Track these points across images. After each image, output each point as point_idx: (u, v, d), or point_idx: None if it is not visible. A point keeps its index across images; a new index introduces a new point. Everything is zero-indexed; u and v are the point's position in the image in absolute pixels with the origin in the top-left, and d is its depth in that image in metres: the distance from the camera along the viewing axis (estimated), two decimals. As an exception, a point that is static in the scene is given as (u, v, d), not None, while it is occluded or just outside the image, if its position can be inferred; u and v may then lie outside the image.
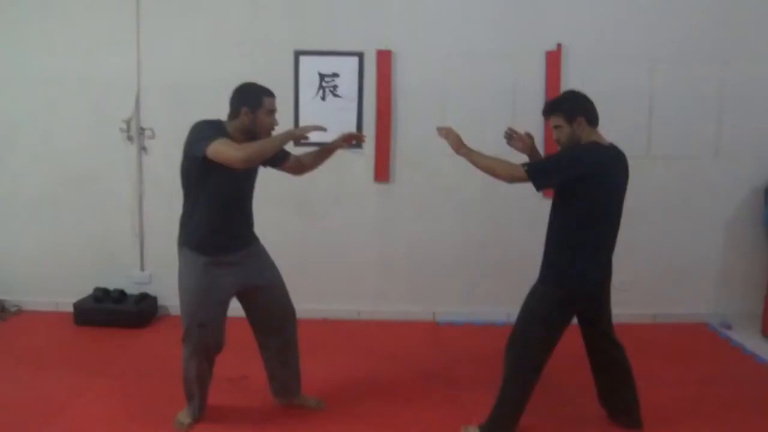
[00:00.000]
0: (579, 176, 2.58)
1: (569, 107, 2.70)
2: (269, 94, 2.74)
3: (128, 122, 4.29)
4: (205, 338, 2.78)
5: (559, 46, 4.19)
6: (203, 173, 2.64)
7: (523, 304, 2.79)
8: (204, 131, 2.61)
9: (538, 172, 2.64)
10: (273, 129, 2.76)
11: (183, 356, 2.87)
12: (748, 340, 4.08)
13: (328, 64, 4.23)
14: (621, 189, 2.73)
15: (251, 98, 2.69)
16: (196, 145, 2.58)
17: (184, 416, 2.93)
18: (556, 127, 2.71)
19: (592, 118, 2.70)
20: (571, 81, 4.16)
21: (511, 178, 2.68)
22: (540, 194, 4.19)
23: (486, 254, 4.39)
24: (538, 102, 4.18)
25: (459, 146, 2.81)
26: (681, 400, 3.26)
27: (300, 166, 3.06)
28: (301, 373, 3.11)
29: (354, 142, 3.02)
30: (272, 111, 2.74)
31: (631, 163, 4.44)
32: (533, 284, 2.78)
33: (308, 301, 4.01)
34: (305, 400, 3.12)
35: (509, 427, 2.77)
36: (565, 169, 2.60)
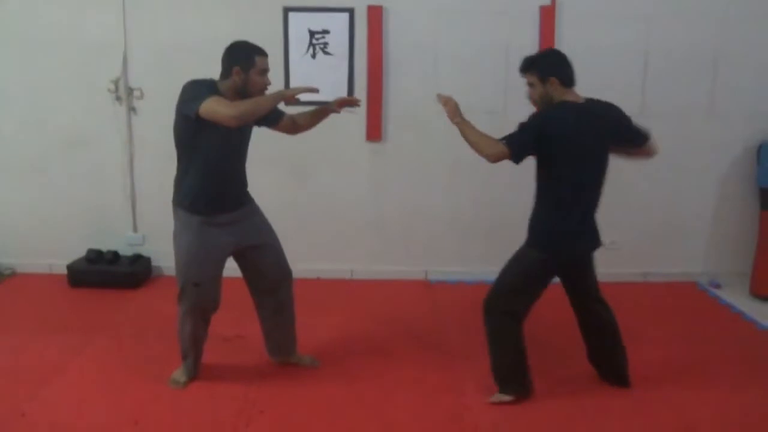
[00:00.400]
0: (550, 138, 2.57)
1: (543, 66, 2.68)
2: (261, 53, 2.70)
3: (116, 82, 4.22)
4: (200, 297, 2.80)
5: (553, 1, 4.11)
6: (195, 133, 2.62)
7: (507, 263, 2.81)
8: (196, 90, 2.58)
9: (516, 145, 2.59)
10: (266, 89, 2.73)
11: (178, 315, 2.89)
12: (737, 299, 4.12)
13: (318, 21, 4.14)
14: (600, 145, 2.71)
15: (243, 58, 2.65)
16: (188, 105, 2.55)
17: (179, 375, 2.97)
18: (530, 85, 2.71)
19: (566, 79, 2.67)
20: (565, 37, 4.10)
21: (495, 158, 2.59)
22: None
23: (479, 213, 4.39)
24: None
25: (454, 115, 2.74)
26: (669, 358, 3.31)
27: (294, 126, 3.04)
28: (296, 332, 3.14)
29: (348, 107, 2.99)
30: (264, 71, 2.71)
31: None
32: (521, 246, 2.80)
33: (302, 260, 4.01)
34: (300, 358, 3.16)
35: (519, 378, 2.82)
36: (537, 135, 2.58)
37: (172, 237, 2.82)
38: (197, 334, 2.92)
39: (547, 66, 2.67)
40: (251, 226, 2.88)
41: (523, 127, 2.65)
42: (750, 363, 3.27)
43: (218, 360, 3.15)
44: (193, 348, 2.94)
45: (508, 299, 2.76)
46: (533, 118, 2.67)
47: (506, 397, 2.81)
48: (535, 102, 2.73)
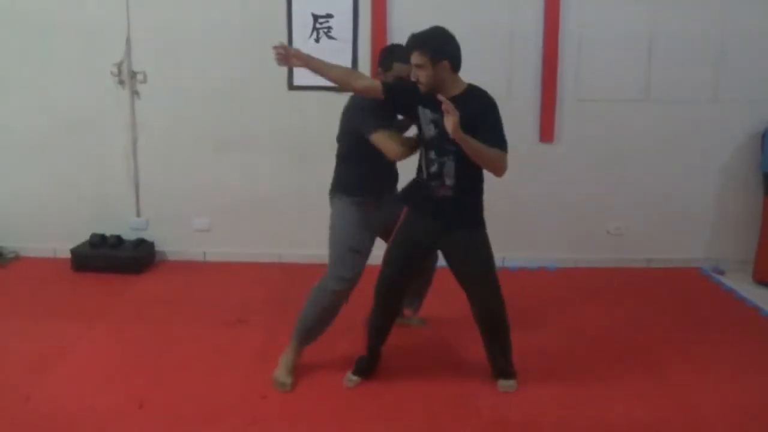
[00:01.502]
0: None
1: (436, 48, 2.46)
2: (402, 60, 2.73)
3: (119, 66, 4.21)
4: (358, 265, 2.89)
5: (558, -15, 4.08)
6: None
7: (483, 258, 2.74)
8: None
9: (505, 144, 2.55)
10: None
11: (314, 294, 2.91)
12: (740, 285, 4.12)
13: (321, 5, 4.10)
14: None
15: (386, 62, 2.85)
16: None
17: (283, 375, 2.86)
18: (418, 66, 2.47)
19: (456, 64, 2.51)
20: (569, 21, 4.08)
21: (503, 171, 2.58)
22: (536, 140, 4.19)
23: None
24: (537, 44, 4.13)
25: (457, 129, 2.35)
26: (671, 343, 3.31)
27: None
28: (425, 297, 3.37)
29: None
30: (401, 78, 2.77)
31: (629, 106, 4.40)
32: (470, 233, 2.74)
33: (307, 246, 4.02)
34: (410, 319, 3.44)
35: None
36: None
37: (329, 227, 2.93)
38: (334, 313, 2.94)
39: (441, 47, 2.46)
40: (398, 208, 2.97)
41: (498, 124, 2.53)
42: (752, 349, 3.28)
43: (220, 345, 3.17)
44: (320, 330, 2.94)
45: (497, 281, 2.75)
46: (495, 110, 2.55)
47: (515, 383, 2.85)
48: (422, 86, 2.50)
